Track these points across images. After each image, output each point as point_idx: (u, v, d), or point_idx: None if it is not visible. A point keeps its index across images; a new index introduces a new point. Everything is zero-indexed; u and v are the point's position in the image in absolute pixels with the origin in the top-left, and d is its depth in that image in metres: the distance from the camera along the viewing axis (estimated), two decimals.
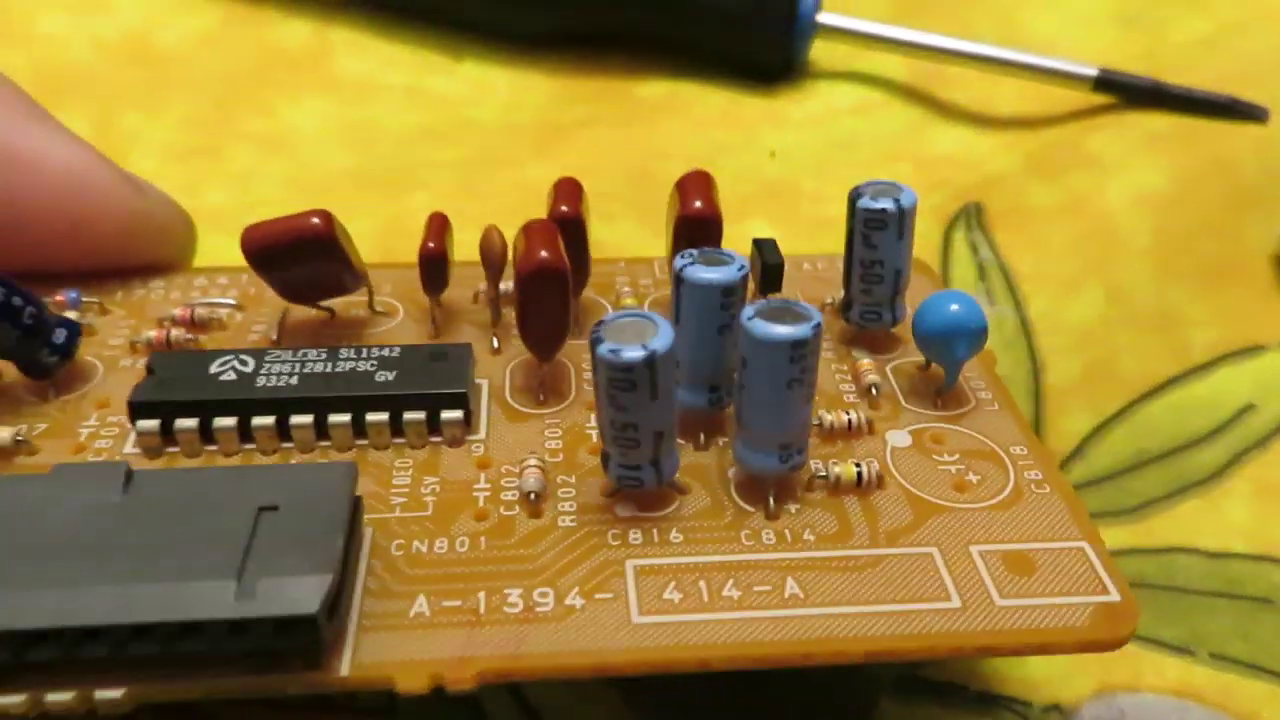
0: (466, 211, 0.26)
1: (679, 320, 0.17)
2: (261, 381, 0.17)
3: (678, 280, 0.16)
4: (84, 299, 0.20)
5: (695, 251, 0.17)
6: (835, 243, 0.26)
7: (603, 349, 0.14)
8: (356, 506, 0.15)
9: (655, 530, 0.16)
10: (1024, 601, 0.15)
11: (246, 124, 0.27)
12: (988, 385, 0.19)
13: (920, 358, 0.19)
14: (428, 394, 0.17)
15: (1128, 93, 0.28)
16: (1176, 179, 0.26)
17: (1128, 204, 0.26)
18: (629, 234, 0.26)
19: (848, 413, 0.17)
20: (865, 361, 0.19)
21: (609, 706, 0.19)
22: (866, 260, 0.19)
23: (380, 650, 0.14)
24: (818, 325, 0.15)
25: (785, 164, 0.28)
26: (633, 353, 0.14)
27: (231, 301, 0.20)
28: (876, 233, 0.18)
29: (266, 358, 0.17)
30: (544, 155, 0.27)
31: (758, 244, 0.20)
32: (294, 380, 0.17)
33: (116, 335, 0.19)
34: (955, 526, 0.16)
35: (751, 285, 0.19)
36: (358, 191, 0.26)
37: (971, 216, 0.26)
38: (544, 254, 0.17)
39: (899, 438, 0.18)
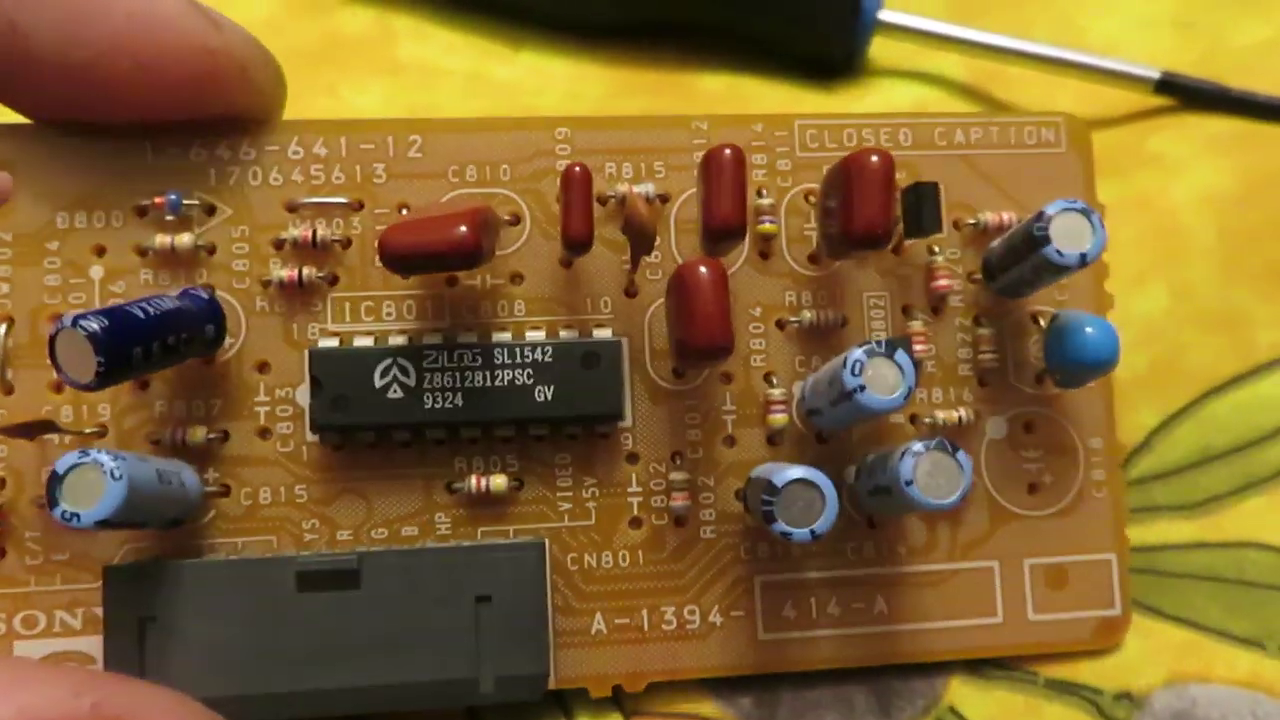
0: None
1: (834, 403, 0.17)
2: (429, 403, 0.18)
3: (845, 395, 0.16)
4: (185, 200, 0.19)
5: (879, 348, 0.16)
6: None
7: (777, 527, 0.16)
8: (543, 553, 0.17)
9: (777, 543, 0.18)
10: (1049, 616, 0.18)
11: (312, 105, 0.28)
12: None
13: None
14: (586, 415, 0.18)
15: (1190, 95, 0.28)
16: (1240, 181, 0.26)
17: (1192, 204, 0.26)
18: None
19: (958, 410, 0.19)
20: (986, 337, 0.20)
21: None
22: (1026, 279, 0.19)
23: (575, 666, 0.17)
24: (964, 494, 0.16)
25: None
26: (802, 535, 0.16)
27: (343, 200, 0.19)
28: (1047, 274, 0.18)
29: (425, 363, 0.18)
30: None
31: (916, 190, 0.19)
32: (459, 400, 0.18)
33: (236, 257, 0.19)
34: (1018, 538, 0.19)
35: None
36: None
37: None
38: (715, 329, 0.16)
39: (997, 427, 0.19)
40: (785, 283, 0.19)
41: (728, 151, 0.17)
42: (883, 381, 0.16)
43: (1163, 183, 0.26)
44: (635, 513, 0.18)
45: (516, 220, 0.19)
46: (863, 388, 0.16)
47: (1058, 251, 0.17)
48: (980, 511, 0.19)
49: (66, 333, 0.15)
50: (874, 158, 0.17)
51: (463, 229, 0.16)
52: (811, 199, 0.20)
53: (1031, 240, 0.17)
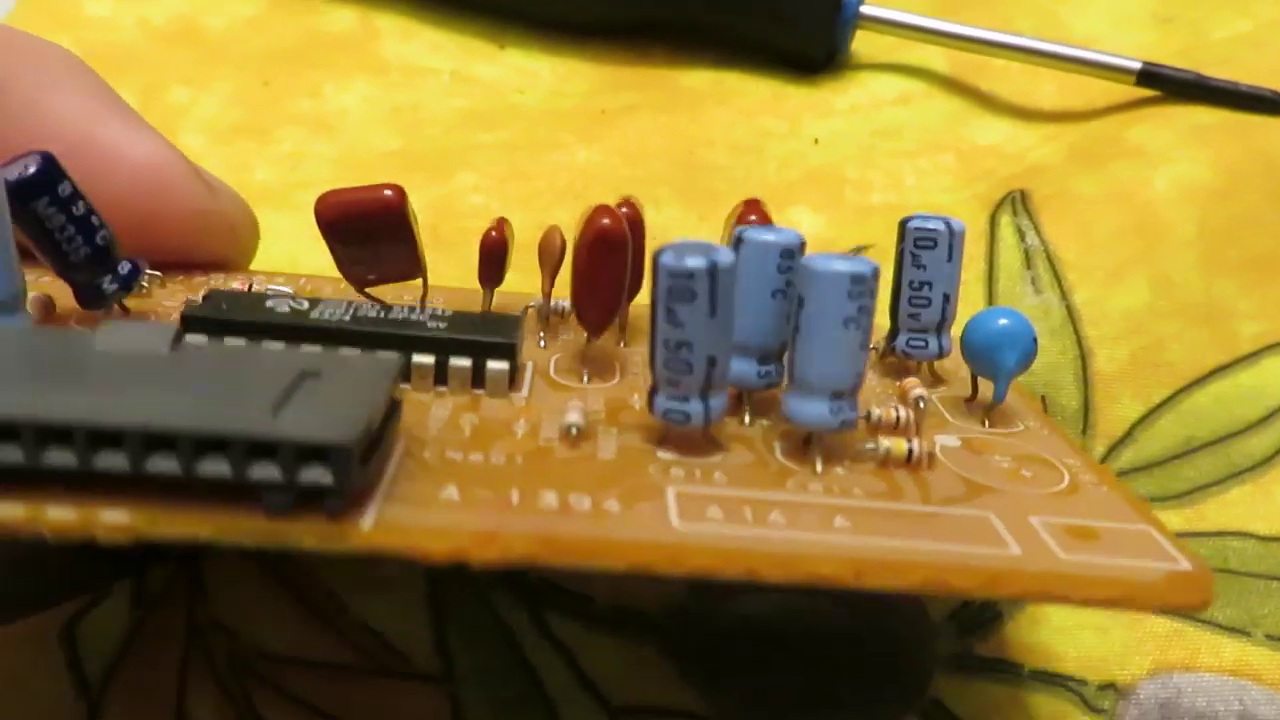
0: (513, 193, 0.27)
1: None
2: (315, 315, 0.17)
3: (737, 242, 0.16)
4: (148, 270, 0.19)
5: (755, 217, 0.17)
6: (876, 230, 0.26)
7: (666, 256, 0.14)
8: (396, 406, 0.14)
9: (698, 471, 0.15)
10: (1092, 558, 0.14)
11: (294, 105, 0.28)
12: (1035, 417, 0.18)
13: (967, 391, 0.18)
14: (476, 341, 0.17)
15: (1171, 86, 0.28)
16: (1221, 172, 0.26)
17: (1172, 195, 0.26)
18: (674, 218, 0.26)
19: (896, 408, 0.17)
20: (911, 379, 0.18)
21: (662, 677, 0.19)
22: (915, 282, 0.18)
23: (406, 518, 0.13)
24: (876, 269, 0.15)
25: (829, 151, 0.28)
26: (696, 260, 0.14)
27: (289, 290, 0.19)
28: (926, 252, 0.18)
29: (323, 302, 0.17)
30: (590, 140, 0.28)
31: None
32: (347, 318, 0.17)
33: (171, 300, 0.19)
34: (1012, 502, 0.15)
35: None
36: (405, 173, 0.26)
37: (1017, 202, 0.26)
38: (606, 221, 0.17)
39: (948, 440, 0.17)
40: None
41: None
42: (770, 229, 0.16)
43: (1144, 174, 0.26)
44: (519, 439, 0.16)
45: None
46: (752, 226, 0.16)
47: (922, 219, 0.18)
48: (951, 482, 0.16)
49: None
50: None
51: (388, 191, 0.17)
52: None
53: (901, 233, 0.18)
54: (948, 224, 0.18)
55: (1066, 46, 0.28)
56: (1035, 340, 0.18)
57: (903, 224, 0.18)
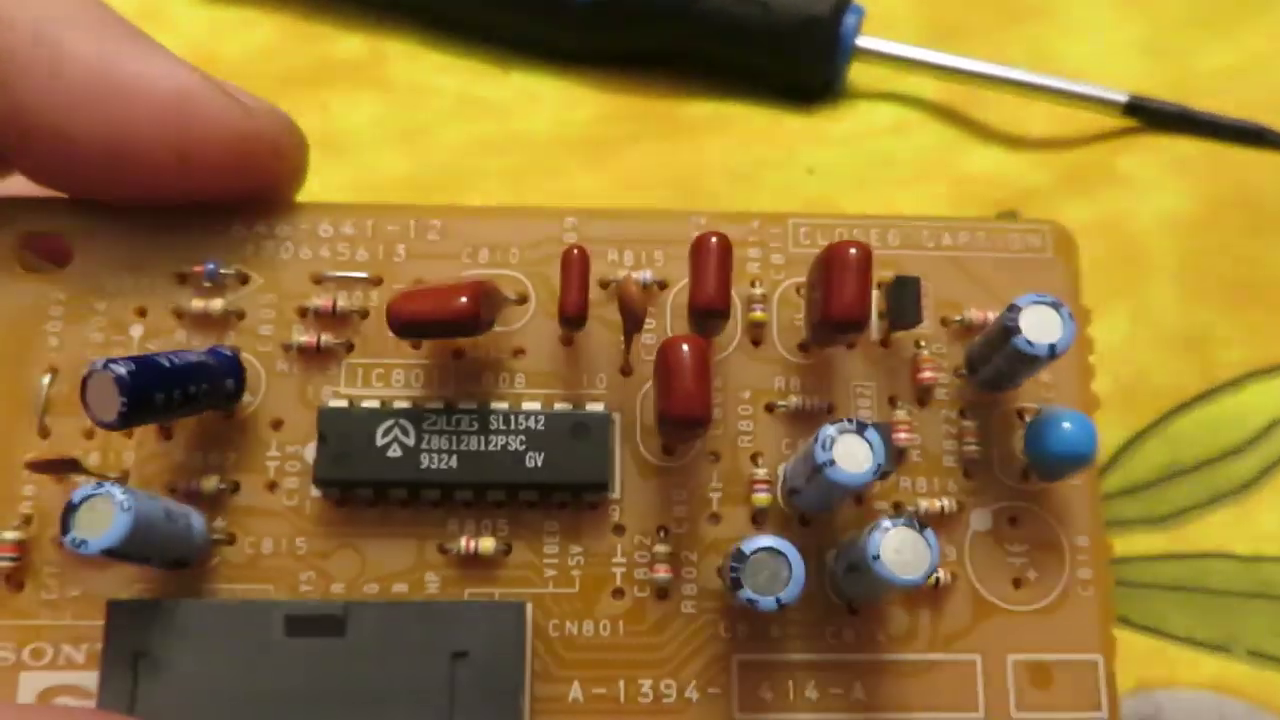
0: None
1: (809, 479, 0.17)
2: (425, 462, 0.18)
3: (816, 469, 0.17)
4: (222, 270, 0.19)
5: (849, 425, 0.17)
6: None
7: (742, 594, 0.16)
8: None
9: (757, 623, 0.19)
10: (1032, 715, 0.18)
11: (304, 122, 0.28)
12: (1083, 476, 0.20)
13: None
14: (573, 483, 0.19)
15: (1157, 118, 0.29)
16: (1202, 204, 0.27)
17: (1155, 227, 0.27)
18: None
19: (942, 499, 0.19)
20: (970, 430, 0.19)
21: None
22: (1004, 372, 0.19)
23: None
24: (930, 571, 0.16)
25: (824, 180, 0.28)
26: (768, 603, 0.16)
27: (364, 275, 0.20)
28: (1024, 369, 0.18)
29: (425, 425, 0.18)
30: (592, 167, 0.28)
31: (899, 283, 0.19)
32: (454, 463, 0.18)
33: (263, 322, 0.20)
34: (1001, 632, 0.19)
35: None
36: (413, 195, 0.27)
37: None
38: (692, 401, 0.17)
39: (981, 519, 0.19)
40: (775, 369, 0.20)
41: (714, 239, 0.18)
42: (851, 457, 0.17)
43: (1128, 206, 0.27)
44: (618, 583, 0.19)
45: (522, 300, 0.20)
46: (832, 462, 0.16)
47: (1027, 341, 0.17)
48: (963, 603, 0.19)
49: (98, 375, 0.16)
50: (852, 249, 0.18)
51: (463, 299, 0.17)
52: (803, 291, 0.20)
53: (1004, 331, 0.18)
54: (1052, 349, 0.18)
55: (1056, 79, 0.29)
56: (1095, 453, 0.18)
57: (1011, 329, 0.18)
